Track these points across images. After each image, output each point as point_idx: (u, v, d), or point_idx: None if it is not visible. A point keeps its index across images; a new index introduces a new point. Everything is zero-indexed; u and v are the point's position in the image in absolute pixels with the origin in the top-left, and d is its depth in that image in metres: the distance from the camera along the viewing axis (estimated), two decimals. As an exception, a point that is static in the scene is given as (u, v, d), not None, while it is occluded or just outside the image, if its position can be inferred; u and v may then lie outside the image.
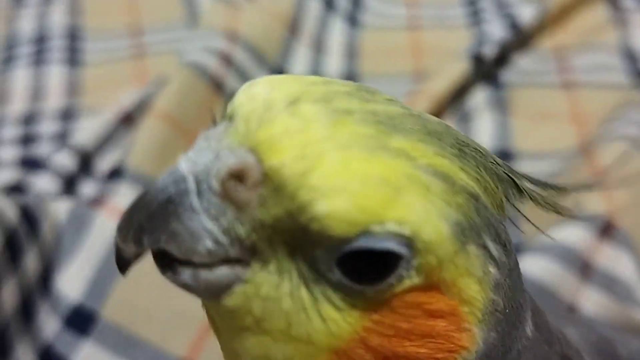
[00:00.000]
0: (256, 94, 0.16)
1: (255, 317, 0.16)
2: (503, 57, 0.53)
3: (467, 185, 0.17)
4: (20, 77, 0.52)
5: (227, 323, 0.17)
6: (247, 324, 0.16)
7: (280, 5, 0.56)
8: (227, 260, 0.16)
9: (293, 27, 0.55)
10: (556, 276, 0.34)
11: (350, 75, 0.54)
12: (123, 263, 0.17)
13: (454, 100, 0.50)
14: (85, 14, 0.59)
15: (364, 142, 0.16)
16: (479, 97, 0.50)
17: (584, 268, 0.35)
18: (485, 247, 0.17)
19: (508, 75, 0.52)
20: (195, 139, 0.17)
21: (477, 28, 0.55)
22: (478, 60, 0.51)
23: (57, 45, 0.55)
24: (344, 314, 0.16)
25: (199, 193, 0.16)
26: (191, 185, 0.16)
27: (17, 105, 0.50)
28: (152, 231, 0.16)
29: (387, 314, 0.16)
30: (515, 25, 0.54)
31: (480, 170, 0.17)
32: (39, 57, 0.54)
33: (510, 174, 0.18)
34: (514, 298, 0.18)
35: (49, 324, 0.35)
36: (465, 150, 0.17)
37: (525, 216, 0.18)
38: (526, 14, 0.54)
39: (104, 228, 0.38)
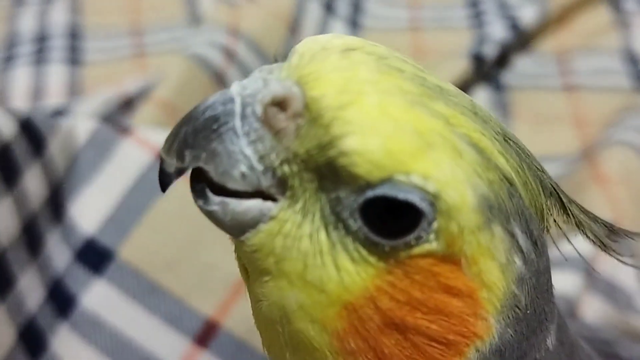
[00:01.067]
0: (318, 39, 0.17)
1: (276, 257, 0.16)
2: (504, 58, 0.53)
3: (503, 168, 0.16)
4: (21, 76, 0.52)
5: (251, 266, 0.17)
6: (268, 266, 0.17)
7: (280, 5, 0.56)
8: (258, 194, 0.16)
9: (294, 27, 0.56)
10: (561, 284, 0.34)
11: None
12: (164, 178, 0.17)
13: None
14: (86, 12, 0.59)
15: (407, 95, 0.16)
16: (479, 98, 0.50)
17: (587, 276, 0.35)
18: (512, 235, 0.16)
19: (509, 77, 0.53)
20: None
21: (478, 29, 0.55)
22: (478, 60, 0.51)
23: (57, 45, 0.55)
24: (358, 266, 0.16)
25: (243, 116, 0.16)
26: (237, 107, 0.16)
27: (18, 104, 0.50)
28: (194, 146, 0.16)
29: (401, 278, 0.16)
30: (516, 27, 0.54)
31: (522, 165, 0.17)
32: (40, 56, 0.54)
33: (556, 189, 0.18)
34: (539, 303, 0.18)
35: (59, 256, 0.33)
36: (509, 142, 0.17)
37: (566, 237, 0.18)
38: (527, 16, 0.55)
39: (130, 157, 0.34)
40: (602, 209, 0.37)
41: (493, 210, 0.16)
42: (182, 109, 0.46)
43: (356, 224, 0.16)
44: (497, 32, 0.53)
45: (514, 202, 0.16)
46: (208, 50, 0.50)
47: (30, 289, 0.30)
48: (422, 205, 0.15)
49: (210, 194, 0.16)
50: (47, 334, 0.30)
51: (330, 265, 0.16)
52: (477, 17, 0.58)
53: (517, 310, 0.17)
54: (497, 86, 0.52)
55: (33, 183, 0.31)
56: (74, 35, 0.56)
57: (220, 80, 0.49)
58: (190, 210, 0.18)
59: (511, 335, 0.17)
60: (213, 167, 0.16)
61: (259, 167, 0.16)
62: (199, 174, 0.16)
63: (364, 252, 0.16)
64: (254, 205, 0.16)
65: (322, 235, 0.16)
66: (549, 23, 0.55)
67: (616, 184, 0.39)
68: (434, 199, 0.15)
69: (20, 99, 0.50)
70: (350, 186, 0.16)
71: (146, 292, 0.32)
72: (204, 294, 0.33)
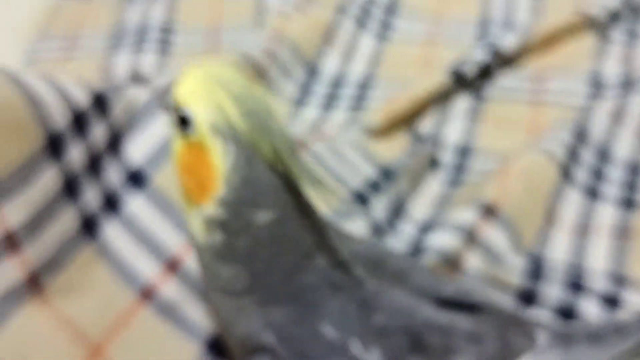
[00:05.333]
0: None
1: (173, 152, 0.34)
2: (487, 73, 0.63)
3: (232, 120, 0.31)
4: (123, 62, 0.68)
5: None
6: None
7: (321, 18, 0.70)
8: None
9: (328, 37, 0.69)
10: (447, 244, 0.47)
11: (369, 78, 0.68)
12: None
13: (437, 104, 0.62)
14: (180, 11, 0.75)
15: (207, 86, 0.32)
16: (459, 106, 0.62)
17: (470, 238, 0.48)
18: (225, 145, 0.31)
19: (489, 89, 0.63)
20: None
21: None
22: (458, 75, 0.62)
23: (153, 37, 0.71)
24: (178, 141, 0.33)
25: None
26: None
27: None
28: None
29: (188, 148, 0.32)
30: (495, 51, 0.64)
31: (252, 125, 0.31)
32: (139, 47, 0.69)
33: (283, 144, 0.32)
34: (251, 186, 0.32)
35: (114, 178, 0.45)
36: (251, 116, 0.31)
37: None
38: (508, 41, 0.64)
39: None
40: (491, 192, 0.50)
41: (216, 129, 0.31)
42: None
43: (177, 125, 0.32)
44: (478, 54, 0.64)
45: (231, 134, 0.31)
46: (253, 50, 0.63)
47: (94, 198, 0.44)
48: (190, 119, 0.32)
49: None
50: (102, 225, 0.45)
51: (175, 143, 0.33)
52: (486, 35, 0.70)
53: (232, 183, 0.32)
54: (477, 97, 0.62)
55: (100, 134, 0.45)
56: (167, 30, 0.72)
57: (261, 76, 0.64)
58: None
59: (231, 197, 0.32)
60: None
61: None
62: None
63: (180, 135, 0.33)
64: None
65: (175, 134, 0.33)
66: (532, 45, 0.66)
67: (515, 177, 0.52)
68: (194, 117, 0.32)
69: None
70: (177, 112, 0.32)
71: (174, 209, 0.45)
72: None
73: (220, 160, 0.31)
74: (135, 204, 0.46)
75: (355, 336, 0.33)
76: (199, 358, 0.43)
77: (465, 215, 0.49)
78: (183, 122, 0.32)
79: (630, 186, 0.54)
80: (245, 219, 0.32)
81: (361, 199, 0.52)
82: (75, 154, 0.44)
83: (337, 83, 0.67)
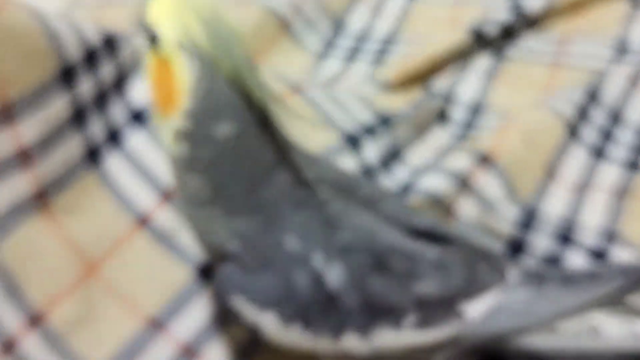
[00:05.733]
0: None
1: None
2: (510, 33, 0.63)
3: (195, 37, 0.33)
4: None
5: None
6: None
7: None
8: None
9: None
10: (440, 189, 0.48)
11: (394, 34, 0.68)
12: None
13: (456, 62, 0.63)
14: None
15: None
16: (478, 65, 0.62)
17: (463, 185, 0.49)
18: (192, 57, 0.33)
19: (512, 50, 0.62)
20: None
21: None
22: (480, 35, 0.63)
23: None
24: (150, 59, 0.35)
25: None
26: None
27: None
28: None
29: (159, 65, 0.34)
30: (520, 12, 0.63)
31: (213, 42, 0.33)
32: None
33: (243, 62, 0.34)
34: (213, 99, 0.33)
35: (119, 115, 0.48)
36: (216, 38, 0.33)
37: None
38: (535, 2, 0.63)
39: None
40: (488, 142, 0.51)
41: (182, 46, 0.33)
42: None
43: (149, 42, 0.34)
44: (502, 14, 0.63)
45: (195, 51, 0.33)
46: (278, 3, 0.65)
47: (100, 131, 0.47)
48: (157, 35, 0.33)
49: None
50: (105, 156, 0.48)
51: (147, 59, 0.35)
52: None
53: (196, 96, 0.33)
54: (497, 57, 0.62)
55: (108, 72, 0.47)
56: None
57: (286, 29, 0.66)
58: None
59: (195, 107, 0.33)
60: None
61: None
62: None
63: (151, 52, 0.34)
64: None
65: (147, 49, 0.35)
66: (561, 9, 0.65)
67: (515, 131, 0.52)
68: (163, 35, 0.33)
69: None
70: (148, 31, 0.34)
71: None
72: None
73: (185, 74, 0.33)
74: (136, 140, 0.49)
75: (318, 250, 0.34)
76: (190, 281, 0.45)
77: (460, 162, 0.50)
78: (153, 40, 0.34)
79: (638, 150, 0.54)
80: (208, 131, 0.34)
81: (353, 142, 0.53)
82: (86, 87, 0.47)
83: (362, 37, 0.68)
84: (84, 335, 0.43)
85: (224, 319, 0.44)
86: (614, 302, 0.37)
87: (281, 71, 0.60)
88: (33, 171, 0.44)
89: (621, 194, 0.50)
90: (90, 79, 0.47)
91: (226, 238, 0.35)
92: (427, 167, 0.52)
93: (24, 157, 0.43)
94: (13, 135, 0.43)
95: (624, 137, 0.55)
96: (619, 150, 0.54)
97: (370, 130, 0.55)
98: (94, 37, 0.47)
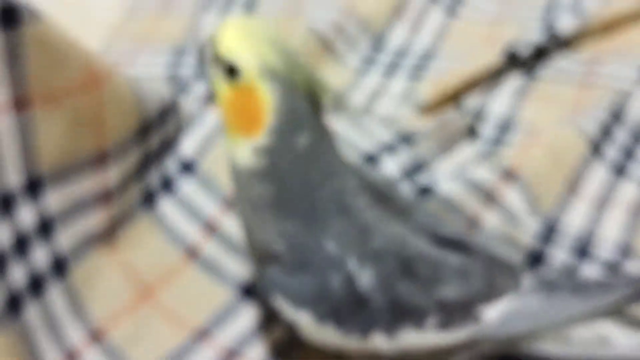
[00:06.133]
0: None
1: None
2: (542, 54, 0.65)
3: (274, 64, 0.35)
4: (209, 23, 0.71)
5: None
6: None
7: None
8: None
9: (399, 10, 0.72)
10: (463, 198, 0.50)
11: (433, 50, 0.71)
12: None
13: (488, 82, 0.64)
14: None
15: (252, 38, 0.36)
16: (510, 85, 0.63)
17: (487, 197, 0.52)
18: (272, 82, 0.35)
19: (543, 70, 0.64)
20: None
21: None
22: (513, 55, 0.64)
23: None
24: (225, 89, 0.36)
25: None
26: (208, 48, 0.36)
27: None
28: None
29: (239, 94, 0.35)
30: (553, 33, 0.65)
31: (291, 68, 0.35)
32: (227, 8, 0.72)
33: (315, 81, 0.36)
34: (294, 114, 0.35)
35: (171, 166, 0.53)
36: (294, 63, 0.35)
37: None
38: (567, 23, 0.65)
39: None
40: (510, 159, 0.54)
41: (264, 73, 0.34)
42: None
43: (226, 74, 0.35)
44: (535, 35, 0.65)
45: (273, 73, 0.34)
46: (322, 24, 0.67)
47: (157, 179, 0.54)
48: (238, 67, 0.35)
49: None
50: (159, 200, 0.54)
51: (221, 89, 0.36)
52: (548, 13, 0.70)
53: (280, 113, 0.35)
54: (529, 76, 0.64)
55: (173, 128, 0.55)
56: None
57: (328, 49, 0.68)
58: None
59: (279, 123, 0.35)
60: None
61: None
62: None
63: (227, 82, 0.35)
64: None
65: (219, 80, 0.36)
66: (593, 31, 0.67)
67: (539, 146, 0.55)
68: (242, 66, 0.35)
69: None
70: (224, 64, 0.35)
71: (212, 185, 0.54)
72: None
73: (269, 97, 0.35)
74: (186, 186, 0.55)
75: (354, 255, 0.37)
76: (234, 297, 0.50)
77: (485, 174, 0.53)
78: (230, 71, 0.35)
79: (657, 168, 0.56)
80: (289, 143, 0.35)
81: (371, 159, 0.55)
82: (156, 140, 0.54)
83: (401, 53, 0.70)
84: (138, 349, 0.48)
85: (265, 320, 0.48)
86: (621, 310, 0.40)
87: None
88: (109, 210, 0.50)
89: (638, 210, 0.53)
90: (161, 134, 0.53)
91: (274, 239, 0.37)
92: (449, 175, 0.55)
93: (107, 197, 0.50)
94: (104, 176, 0.49)
95: (646, 156, 0.57)
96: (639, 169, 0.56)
97: (390, 148, 0.56)
98: (166, 95, 0.55)
